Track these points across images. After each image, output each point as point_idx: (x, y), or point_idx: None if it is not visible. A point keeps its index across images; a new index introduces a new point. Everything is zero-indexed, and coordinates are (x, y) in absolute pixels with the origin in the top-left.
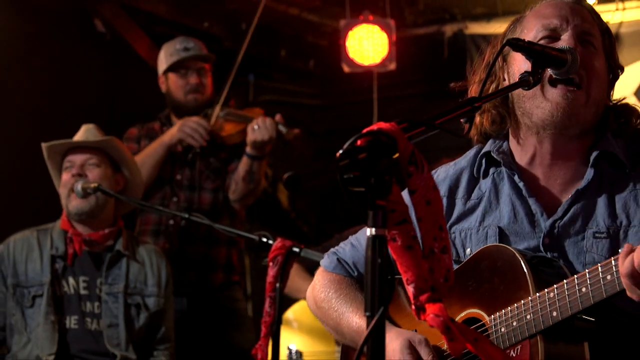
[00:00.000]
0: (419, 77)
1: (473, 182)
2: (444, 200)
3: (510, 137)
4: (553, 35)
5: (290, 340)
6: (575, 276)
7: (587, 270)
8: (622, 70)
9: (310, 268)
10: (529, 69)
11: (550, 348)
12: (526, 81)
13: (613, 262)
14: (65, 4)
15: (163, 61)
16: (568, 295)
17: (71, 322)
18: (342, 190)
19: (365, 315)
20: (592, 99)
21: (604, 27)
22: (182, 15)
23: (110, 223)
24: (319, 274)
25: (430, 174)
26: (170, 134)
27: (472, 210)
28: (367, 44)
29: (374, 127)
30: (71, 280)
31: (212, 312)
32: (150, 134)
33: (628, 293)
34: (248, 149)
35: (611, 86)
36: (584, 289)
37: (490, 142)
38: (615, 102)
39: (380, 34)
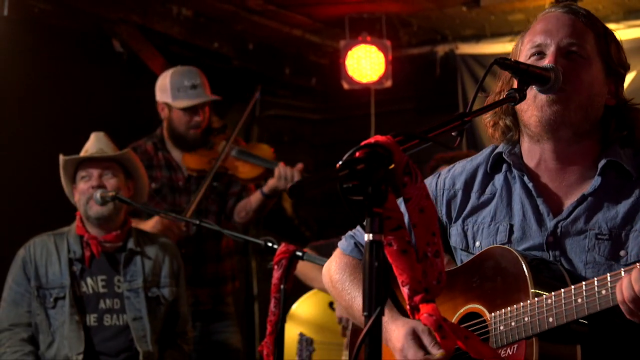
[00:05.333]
0: (413, 93)
1: (487, 178)
2: (460, 194)
3: (521, 142)
4: (540, 51)
5: (300, 328)
6: (573, 286)
7: (583, 283)
8: (628, 67)
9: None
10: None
11: (545, 349)
12: (513, 97)
13: (609, 277)
14: (85, 26)
15: (168, 93)
16: (564, 304)
17: (90, 320)
18: (342, 199)
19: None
20: (578, 103)
21: (600, 30)
22: (193, 36)
23: (121, 224)
24: (336, 255)
25: (424, 184)
26: (150, 227)
27: (485, 204)
28: (365, 63)
29: (372, 140)
30: (89, 280)
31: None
32: (147, 161)
33: (628, 316)
34: (265, 189)
35: (617, 85)
36: (579, 300)
37: (504, 142)
38: (626, 101)
39: (377, 54)
